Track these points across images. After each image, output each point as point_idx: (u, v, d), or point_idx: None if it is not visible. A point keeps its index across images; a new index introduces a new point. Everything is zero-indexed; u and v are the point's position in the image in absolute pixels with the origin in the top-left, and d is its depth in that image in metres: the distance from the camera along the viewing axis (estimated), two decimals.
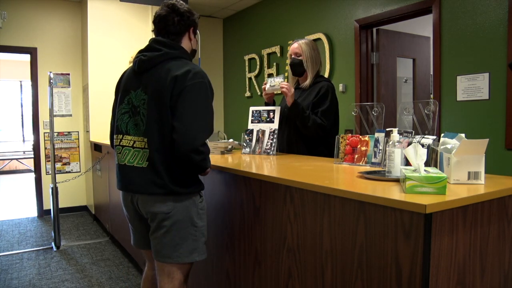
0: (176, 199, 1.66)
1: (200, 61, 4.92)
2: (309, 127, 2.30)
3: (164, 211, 1.65)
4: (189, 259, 1.69)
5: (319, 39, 4.30)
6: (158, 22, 1.73)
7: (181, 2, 1.77)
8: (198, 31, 1.87)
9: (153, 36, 1.78)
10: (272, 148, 2.35)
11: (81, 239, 4.23)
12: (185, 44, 1.78)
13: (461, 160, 1.28)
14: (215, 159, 2.18)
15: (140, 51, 1.75)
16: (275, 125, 2.38)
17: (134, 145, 1.70)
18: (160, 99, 1.61)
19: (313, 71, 2.45)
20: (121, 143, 1.74)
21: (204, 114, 1.63)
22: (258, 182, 1.69)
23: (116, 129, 1.78)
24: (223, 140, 2.68)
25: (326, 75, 4.21)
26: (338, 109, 2.46)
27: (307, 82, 2.45)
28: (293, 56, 2.50)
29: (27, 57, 5.19)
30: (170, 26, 1.71)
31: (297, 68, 2.48)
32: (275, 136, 2.37)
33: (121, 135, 1.74)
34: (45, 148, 5.18)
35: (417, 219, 1.04)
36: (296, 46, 2.50)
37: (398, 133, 1.52)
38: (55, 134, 5.07)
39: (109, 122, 1.91)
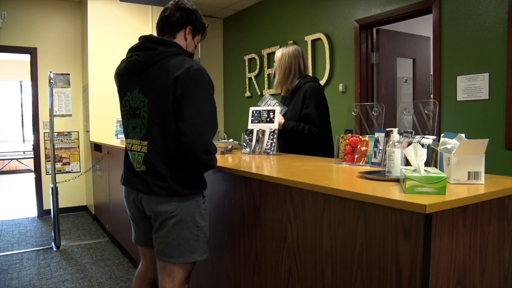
0: (180, 199, 1.65)
1: (200, 61, 4.92)
2: (307, 135, 2.42)
3: (168, 211, 1.64)
4: (190, 258, 1.69)
5: (319, 39, 4.30)
6: (161, 13, 1.73)
7: (191, 3, 1.75)
8: (199, 42, 1.82)
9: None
10: (272, 148, 2.35)
11: (81, 239, 4.23)
12: (179, 42, 1.72)
13: (461, 160, 1.28)
14: None
15: (132, 50, 1.71)
16: (275, 125, 2.39)
17: (132, 148, 1.71)
18: (162, 101, 1.58)
19: (283, 78, 2.54)
20: (131, 148, 1.73)
21: (209, 112, 1.61)
22: (258, 182, 1.69)
23: (124, 132, 1.80)
24: (223, 140, 2.68)
25: (326, 75, 4.21)
26: (327, 107, 2.51)
27: (284, 89, 2.59)
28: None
29: (27, 57, 5.19)
30: (169, 18, 1.69)
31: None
32: (275, 136, 2.37)
33: (129, 140, 1.75)
34: (45, 148, 5.18)
35: (417, 219, 1.04)
36: (276, 54, 2.62)
37: (398, 133, 1.52)
38: (55, 134, 5.07)
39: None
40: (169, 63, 1.60)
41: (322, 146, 2.47)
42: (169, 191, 1.63)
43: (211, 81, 1.64)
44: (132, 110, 1.68)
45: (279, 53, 2.57)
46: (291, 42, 4.69)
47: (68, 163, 5.30)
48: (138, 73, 1.66)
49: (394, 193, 1.18)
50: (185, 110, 1.56)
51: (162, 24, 1.72)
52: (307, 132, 2.40)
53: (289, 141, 2.54)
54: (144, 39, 1.68)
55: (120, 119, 1.97)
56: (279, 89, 2.65)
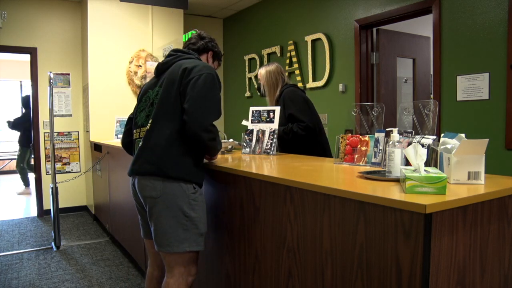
0: (165, 181, 1.71)
1: None
2: (295, 132, 2.57)
3: (153, 196, 1.72)
4: (180, 249, 1.72)
5: (319, 39, 4.30)
6: (187, 42, 2.03)
7: (208, 33, 2.07)
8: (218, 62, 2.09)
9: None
10: (272, 148, 2.35)
11: (81, 239, 4.23)
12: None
13: (461, 160, 1.28)
14: None
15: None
16: (275, 125, 2.39)
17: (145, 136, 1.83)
18: (171, 86, 1.77)
19: (271, 92, 2.78)
20: (140, 136, 1.86)
21: (212, 97, 1.75)
22: (258, 182, 1.69)
23: (134, 125, 1.93)
24: (223, 140, 2.68)
25: (326, 75, 4.21)
26: (307, 103, 2.70)
27: (273, 101, 2.77)
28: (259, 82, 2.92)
29: (27, 57, 5.19)
30: (195, 44, 1.99)
31: (261, 91, 2.89)
32: (275, 136, 2.37)
33: (138, 129, 1.88)
34: (45, 148, 5.18)
35: (417, 219, 1.04)
36: (259, 72, 2.89)
37: (398, 133, 1.52)
38: (55, 134, 5.07)
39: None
40: (184, 61, 1.83)
41: (313, 142, 2.64)
42: (154, 166, 1.71)
43: (218, 79, 1.82)
44: (150, 103, 1.86)
45: (263, 71, 2.81)
46: (291, 42, 4.69)
47: (68, 163, 5.30)
48: (160, 74, 1.90)
49: (394, 193, 1.18)
50: (190, 93, 1.71)
51: (189, 48, 1.99)
52: (295, 129, 2.56)
53: (285, 144, 2.67)
54: (170, 51, 1.95)
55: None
56: (272, 104, 2.82)
